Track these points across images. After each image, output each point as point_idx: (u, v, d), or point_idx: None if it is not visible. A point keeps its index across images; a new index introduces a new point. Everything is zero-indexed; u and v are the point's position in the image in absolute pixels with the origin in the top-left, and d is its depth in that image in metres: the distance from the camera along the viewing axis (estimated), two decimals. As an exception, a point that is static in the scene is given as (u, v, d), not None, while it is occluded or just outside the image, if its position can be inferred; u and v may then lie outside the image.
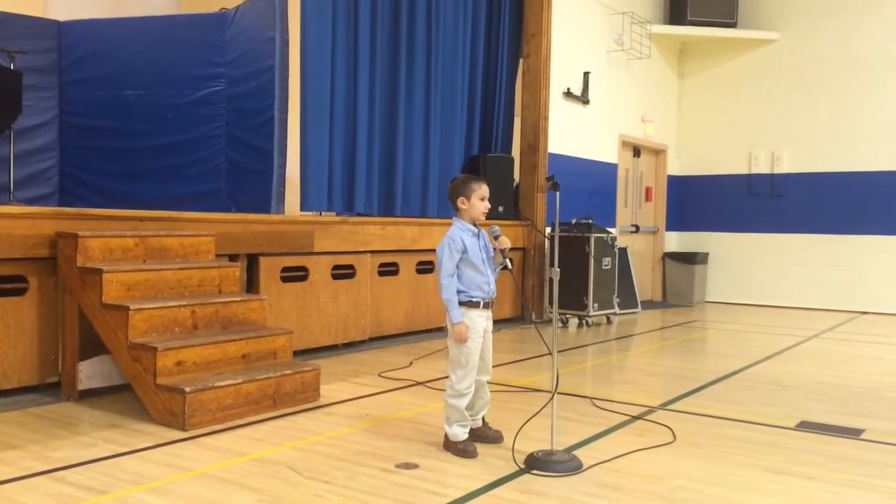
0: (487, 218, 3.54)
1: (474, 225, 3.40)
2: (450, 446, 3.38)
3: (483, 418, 3.53)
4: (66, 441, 3.48)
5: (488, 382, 3.51)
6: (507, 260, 3.37)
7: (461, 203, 3.39)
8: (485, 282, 3.34)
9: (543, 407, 3.45)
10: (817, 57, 9.97)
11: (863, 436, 3.82)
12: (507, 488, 2.94)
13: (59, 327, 4.36)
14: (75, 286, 4.19)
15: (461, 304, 3.32)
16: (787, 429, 3.93)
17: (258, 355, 4.30)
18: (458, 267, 3.32)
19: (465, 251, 3.31)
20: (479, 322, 3.35)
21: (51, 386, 4.37)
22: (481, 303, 3.34)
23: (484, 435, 3.48)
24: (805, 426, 3.98)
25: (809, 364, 5.94)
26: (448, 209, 7.36)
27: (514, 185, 8.20)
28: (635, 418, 4.05)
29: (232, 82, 6.80)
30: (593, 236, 7.76)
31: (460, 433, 3.36)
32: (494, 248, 3.40)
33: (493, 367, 3.60)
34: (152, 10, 8.03)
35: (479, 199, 3.37)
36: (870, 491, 3.01)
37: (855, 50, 9.72)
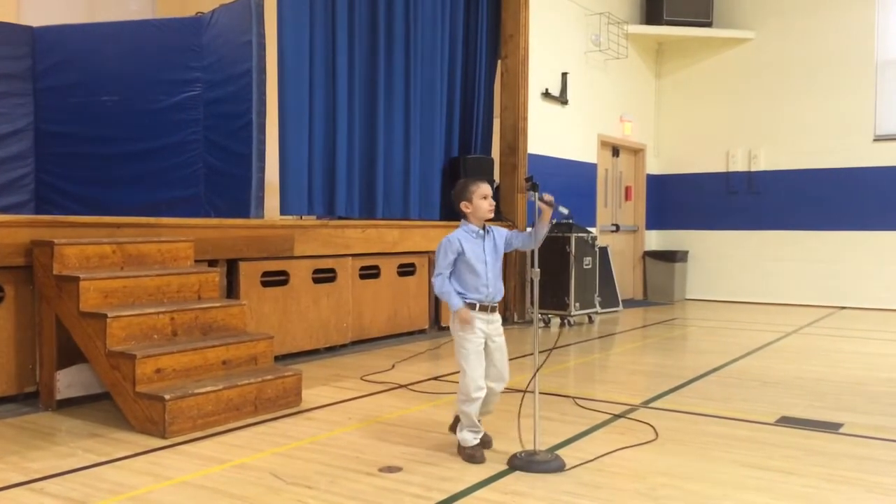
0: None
1: (483, 228, 3.38)
2: (460, 451, 3.37)
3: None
4: (45, 451, 3.43)
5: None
6: (560, 207, 3.26)
7: (465, 207, 3.37)
8: (482, 284, 3.30)
9: (520, 405, 3.46)
10: (792, 55, 10.09)
11: (842, 430, 3.85)
12: (490, 490, 2.94)
13: (36, 336, 4.30)
14: (52, 294, 4.14)
15: None
16: (767, 424, 3.96)
17: (239, 361, 4.27)
18: (455, 267, 3.32)
19: (461, 252, 3.29)
20: (477, 323, 3.31)
21: (29, 396, 4.31)
22: (477, 305, 3.31)
23: None
24: (785, 421, 4.02)
25: (789, 360, 5.99)
26: (429, 211, 7.36)
27: (495, 186, 8.21)
28: (617, 417, 4.07)
29: (209, 86, 6.76)
30: (574, 236, 7.79)
31: (469, 438, 3.33)
32: (544, 206, 3.25)
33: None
34: (127, 14, 7.96)
35: (480, 198, 3.35)
36: (849, 484, 3.04)
37: (828, 48, 9.84)
